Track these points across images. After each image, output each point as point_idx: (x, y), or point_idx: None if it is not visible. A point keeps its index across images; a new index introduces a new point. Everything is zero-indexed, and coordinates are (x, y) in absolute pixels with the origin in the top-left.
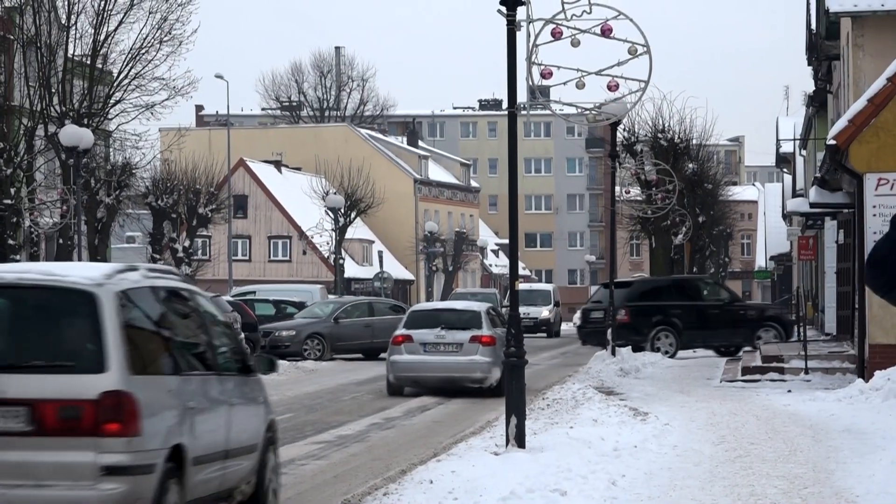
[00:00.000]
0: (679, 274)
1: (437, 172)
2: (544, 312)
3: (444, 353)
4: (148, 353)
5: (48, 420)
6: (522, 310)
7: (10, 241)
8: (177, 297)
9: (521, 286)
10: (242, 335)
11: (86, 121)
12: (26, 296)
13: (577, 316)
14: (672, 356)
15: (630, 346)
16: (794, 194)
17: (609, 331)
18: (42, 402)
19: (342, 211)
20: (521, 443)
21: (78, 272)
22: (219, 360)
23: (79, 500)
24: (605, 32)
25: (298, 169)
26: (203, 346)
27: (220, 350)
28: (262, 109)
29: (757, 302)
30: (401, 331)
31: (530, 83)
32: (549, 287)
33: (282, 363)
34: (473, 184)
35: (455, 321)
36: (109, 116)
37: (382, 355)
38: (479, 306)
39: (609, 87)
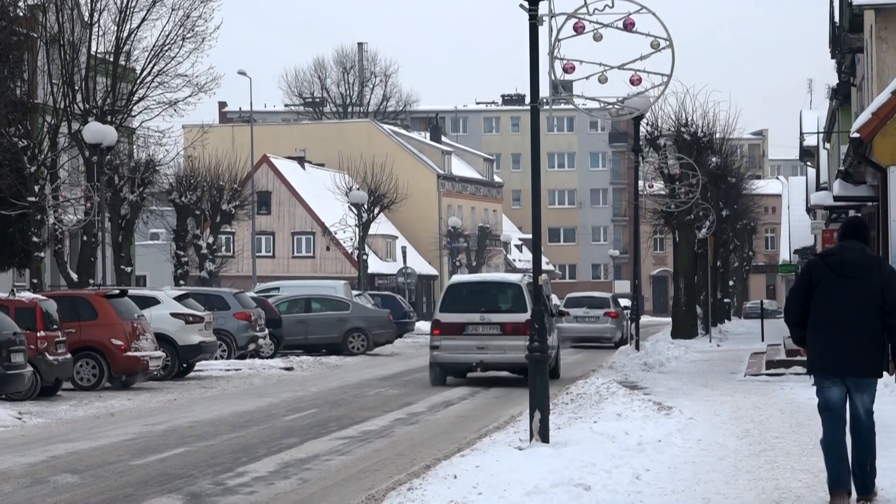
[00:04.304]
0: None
1: (460, 168)
2: None
3: (589, 322)
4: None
5: (508, 329)
6: None
7: (35, 239)
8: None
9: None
10: (267, 331)
11: (109, 118)
12: (497, 286)
13: None
14: None
15: None
16: (818, 188)
17: None
18: (505, 322)
19: (365, 207)
20: (545, 437)
21: (513, 277)
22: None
23: (520, 359)
24: (628, 26)
25: (322, 165)
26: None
27: (546, 305)
28: (286, 106)
29: None
30: (563, 308)
31: (553, 78)
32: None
33: (305, 359)
34: (496, 179)
35: (594, 302)
36: (133, 113)
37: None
38: (608, 294)
39: (632, 82)
